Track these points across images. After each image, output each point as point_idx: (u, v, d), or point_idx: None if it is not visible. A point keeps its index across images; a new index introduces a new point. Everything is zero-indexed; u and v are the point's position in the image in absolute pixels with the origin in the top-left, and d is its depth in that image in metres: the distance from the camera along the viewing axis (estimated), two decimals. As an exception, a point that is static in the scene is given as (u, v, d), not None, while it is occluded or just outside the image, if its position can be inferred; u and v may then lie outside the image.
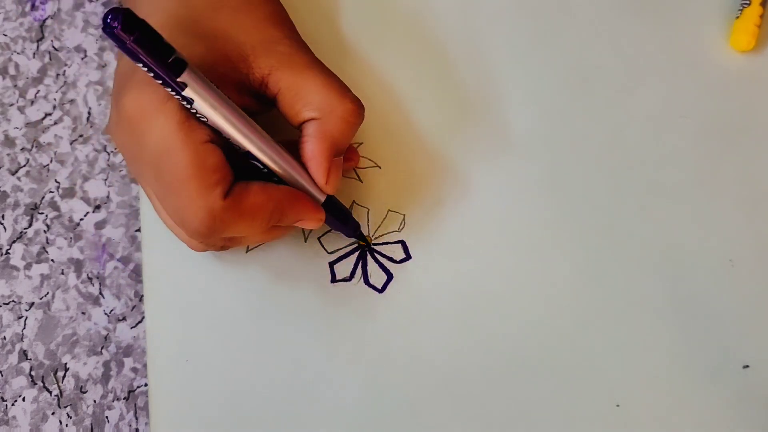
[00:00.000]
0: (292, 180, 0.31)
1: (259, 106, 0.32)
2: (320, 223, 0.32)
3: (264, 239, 0.33)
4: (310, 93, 0.30)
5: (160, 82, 0.26)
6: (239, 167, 0.29)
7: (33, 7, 0.41)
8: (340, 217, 0.33)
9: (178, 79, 0.26)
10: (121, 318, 0.37)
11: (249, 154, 0.30)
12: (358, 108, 0.31)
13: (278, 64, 0.30)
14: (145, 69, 0.26)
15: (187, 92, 0.27)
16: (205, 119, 0.28)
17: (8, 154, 0.39)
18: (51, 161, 0.39)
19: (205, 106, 0.27)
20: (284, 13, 0.33)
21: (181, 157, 0.27)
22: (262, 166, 0.30)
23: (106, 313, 0.37)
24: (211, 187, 0.28)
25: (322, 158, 0.30)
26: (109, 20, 0.24)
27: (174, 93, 0.27)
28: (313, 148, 0.30)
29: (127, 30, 0.25)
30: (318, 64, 0.31)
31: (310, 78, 0.31)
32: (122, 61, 0.30)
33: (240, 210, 0.29)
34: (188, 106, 0.27)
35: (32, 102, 0.40)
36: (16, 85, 0.40)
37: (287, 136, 0.32)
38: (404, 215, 0.36)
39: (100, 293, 0.37)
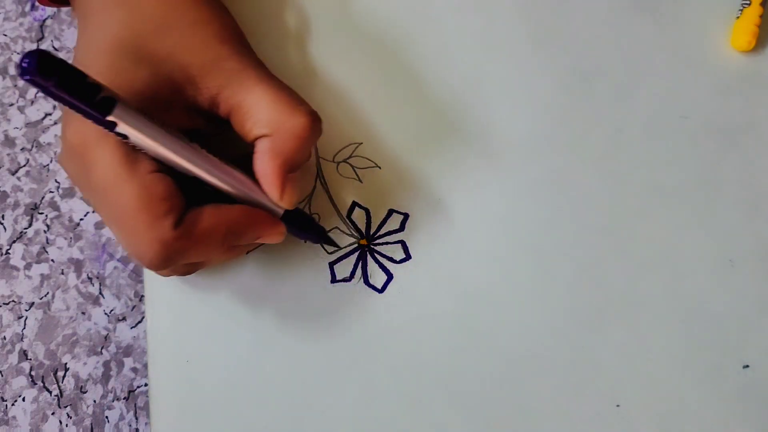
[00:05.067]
0: (248, 198, 0.30)
1: (214, 127, 0.31)
2: (281, 237, 0.31)
3: (227, 259, 0.33)
4: (259, 110, 0.29)
5: (91, 120, 0.26)
6: (195, 190, 0.29)
7: (33, 7, 0.41)
8: (303, 226, 0.33)
9: (107, 118, 0.25)
10: (121, 318, 0.37)
11: (199, 179, 0.29)
12: (310, 122, 0.30)
13: (226, 83, 0.30)
14: (73, 110, 0.25)
15: (120, 129, 0.26)
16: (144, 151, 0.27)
17: (8, 154, 0.39)
18: (51, 161, 0.39)
19: (141, 139, 0.27)
20: (234, 28, 0.32)
21: (127, 190, 0.27)
22: (213, 189, 0.30)
23: (106, 313, 0.37)
24: (161, 217, 0.27)
25: (273, 176, 0.30)
26: (25, 65, 0.23)
27: (107, 129, 0.26)
28: (264, 165, 0.30)
29: (44, 74, 0.23)
30: (268, 79, 0.30)
31: (258, 93, 0.30)
32: None
33: (193, 237, 0.28)
34: (125, 141, 0.27)
35: (32, 102, 0.40)
36: (16, 85, 0.40)
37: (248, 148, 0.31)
38: (405, 215, 0.36)
39: (100, 293, 0.37)
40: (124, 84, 0.28)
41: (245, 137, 0.30)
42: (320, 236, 0.34)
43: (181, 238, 0.28)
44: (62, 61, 0.24)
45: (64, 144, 0.28)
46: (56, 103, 0.39)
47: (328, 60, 0.37)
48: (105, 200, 0.28)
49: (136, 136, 0.27)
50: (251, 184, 0.30)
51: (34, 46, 0.40)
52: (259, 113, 0.29)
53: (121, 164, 0.27)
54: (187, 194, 0.29)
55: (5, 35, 0.41)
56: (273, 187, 0.30)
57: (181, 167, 0.28)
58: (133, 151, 0.27)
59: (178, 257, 0.28)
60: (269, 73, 0.31)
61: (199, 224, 0.28)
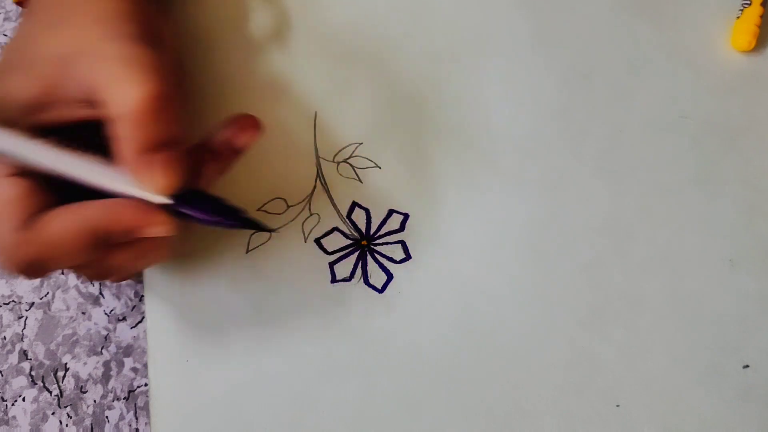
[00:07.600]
0: (121, 191, 0.27)
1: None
2: (168, 227, 0.27)
3: (132, 265, 0.29)
4: (102, 91, 0.26)
5: None
6: (75, 190, 0.27)
7: (33, 7, 0.41)
8: (204, 209, 0.27)
9: None
10: (121, 318, 0.37)
11: (64, 178, 0.27)
12: (145, 93, 0.25)
13: (87, 69, 0.26)
14: None
15: None
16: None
17: (8, 154, 0.39)
18: (51, 161, 0.39)
19: None
20: (119, 7, 0.28)
21: None
22: (83, 186, 0.27)
23: (106, 313, 0.37)
24: (1, 222, 0.26)
25: (130, 162, 0.26)
26: None
27: None
28: (116, 150, 0.26)
29: None
30: (118, 52, 0.26)
31: (103, 73, 0.26)
32: None
33: (41, 241, 0.26)
34: None
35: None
36: (16, 85, 0.40)
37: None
38: (405, 215, 0.36)
39: (100, 293, 0.37)
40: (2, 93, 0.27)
41: (106, 125, 0.26)
42: (236, 219, 0.28)
43: (25, 243, 0.26)
44: None
45: None
46: None
47: (330, 59, 0.37)
48: None
49: None
50: (118, 176, 0.27)
51: (34, 46, 0.40)
52: (102, 94, 0.26)
53: None
54: (73, 197, 0.27)
55: (5, 35, 0.41)
56: (134, 173, 0.26)
57: (41, 167, 0.26)
58: None
59: (23, 262, 0.26)
60: (132, 43, 0.26)
61: (50, 227, 0.26)
